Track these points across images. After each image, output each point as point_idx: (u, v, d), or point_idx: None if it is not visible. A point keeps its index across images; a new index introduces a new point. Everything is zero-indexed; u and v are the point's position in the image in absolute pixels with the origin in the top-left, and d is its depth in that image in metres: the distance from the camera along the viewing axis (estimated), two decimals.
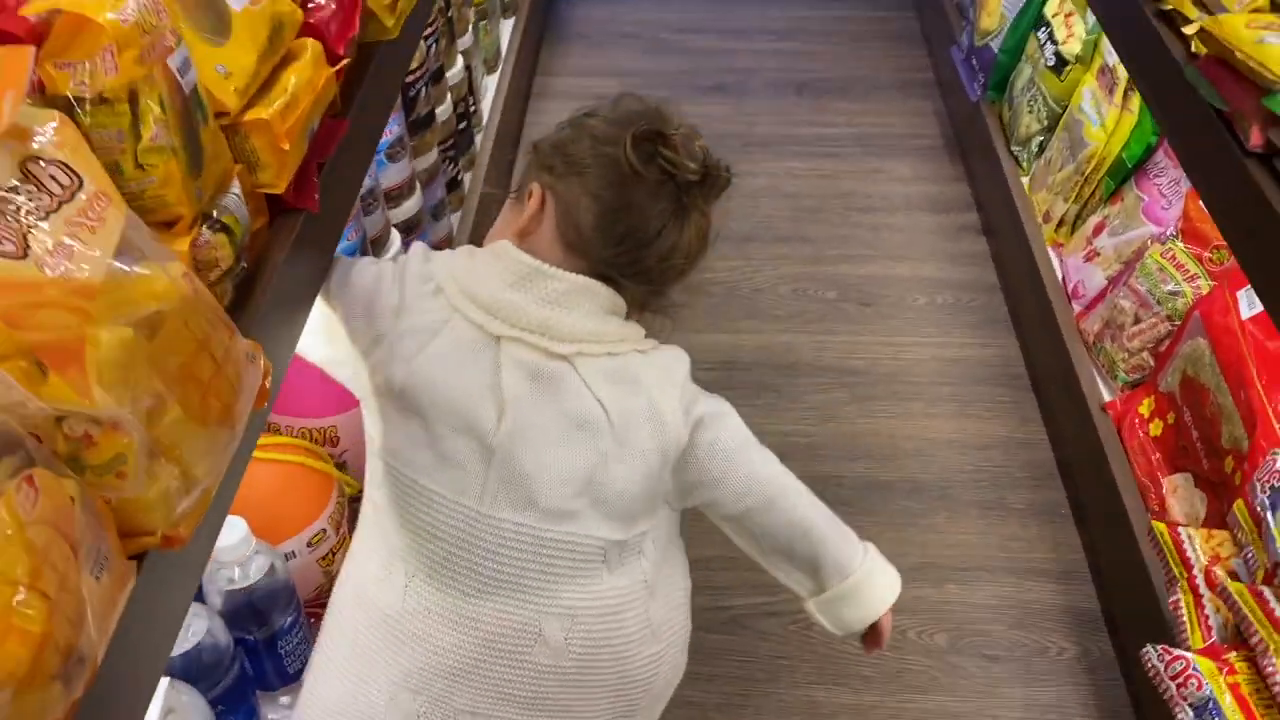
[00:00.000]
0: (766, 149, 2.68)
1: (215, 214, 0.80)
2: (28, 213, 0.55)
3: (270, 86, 0.90)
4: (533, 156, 1.07)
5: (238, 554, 1.11)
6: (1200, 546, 1.27)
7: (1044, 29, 2.24)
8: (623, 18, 3.27)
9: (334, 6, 1.05)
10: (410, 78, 1.78)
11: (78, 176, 0.58)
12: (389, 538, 1.00)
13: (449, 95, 2.05)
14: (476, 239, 2.10)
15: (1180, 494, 1.45)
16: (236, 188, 0.84)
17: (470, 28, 2.33)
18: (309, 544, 1.26)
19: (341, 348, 1.05)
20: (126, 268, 0.60)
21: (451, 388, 0.96)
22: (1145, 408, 1.57)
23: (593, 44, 3.15)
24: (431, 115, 1.90)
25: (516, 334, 0.96)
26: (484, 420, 0.95)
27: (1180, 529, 1.29)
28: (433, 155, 1.91)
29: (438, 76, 1.96)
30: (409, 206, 1.74)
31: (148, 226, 0.76)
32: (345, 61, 1.00)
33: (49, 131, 0.58)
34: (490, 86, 2.61)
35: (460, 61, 2.17)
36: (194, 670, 1.06)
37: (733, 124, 2.77)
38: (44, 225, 0.55)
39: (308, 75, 0.93)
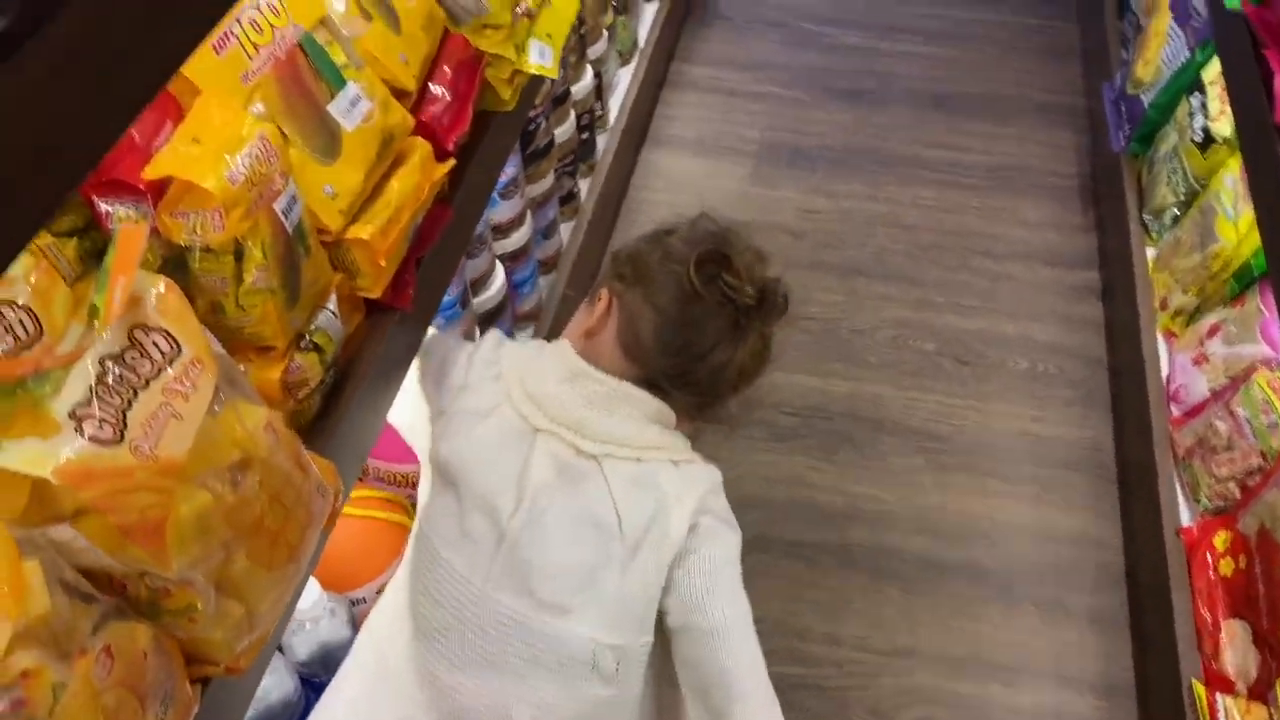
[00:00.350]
0: (894, 171, 2.61)
1: (308, 335, 0.87)
2: (129, 385, 0.63)
3: (375, 198, 0.94)
4: (610, 264, 1.13)
5: (312, 614, 1.20)
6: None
7: (1198, 95, 2.11)
8: (769, 0, 3.16)
9: (448, 99, 1.08)
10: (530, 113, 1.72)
11: (177, 344, 0.65)
12: (406, 594, 1.07)
13: (572, 112, 2.01)
14: (587, 250, 2.14)
15: (1237, 644, 1.42)
16: (333, 303, 0.90)
17: (605, 31, 2.26)
18: (378, 591, 1.32)
19: (420, 413, 1.14)
20: (211, 418, 0.67)
21: (483, 469, 1.02)
22: (1221, 542, 1.53)
23: (735, 28, 3.08)
24: (551, 143, 1.87)
25: (553, 428, 1.02)
26: (503, 505, 1.00)
27: (1218, 696, 1.28)
28: (549, 180, 1.89)
29: (561, 99, 1.93)
30: (518, 238, 1.76)
31: (241, 355, 0.84)
32: (452, 163, 1.05)
33: (154, 298, 0.64)
34: (623, 80, 2.56)
35: (589, 73, 2.13)
36: (263, 716, 1.16)
37: (863, 136, 2.70)
38: (142, 395, 0.63)
39: (414, 181, 0.97)
